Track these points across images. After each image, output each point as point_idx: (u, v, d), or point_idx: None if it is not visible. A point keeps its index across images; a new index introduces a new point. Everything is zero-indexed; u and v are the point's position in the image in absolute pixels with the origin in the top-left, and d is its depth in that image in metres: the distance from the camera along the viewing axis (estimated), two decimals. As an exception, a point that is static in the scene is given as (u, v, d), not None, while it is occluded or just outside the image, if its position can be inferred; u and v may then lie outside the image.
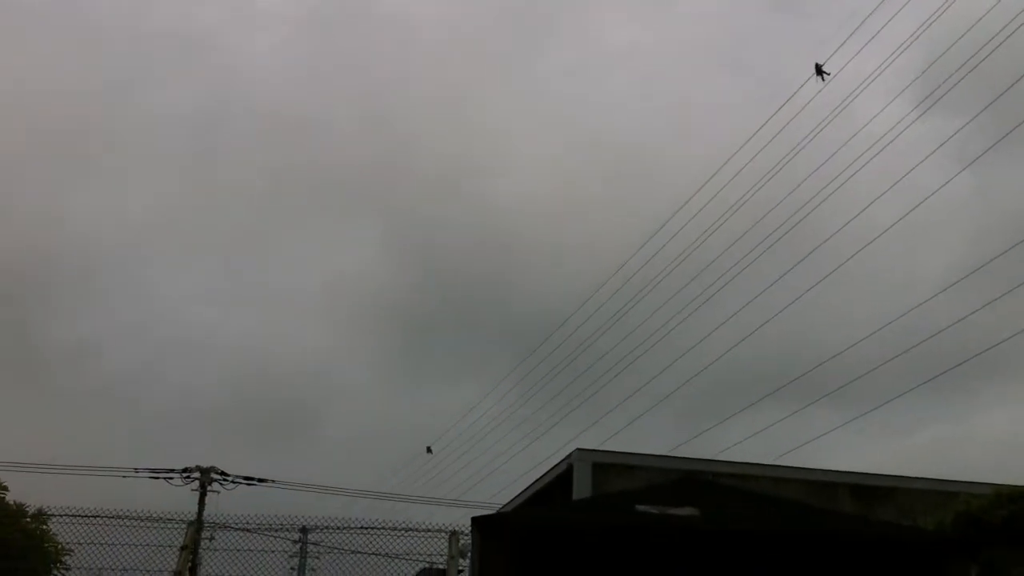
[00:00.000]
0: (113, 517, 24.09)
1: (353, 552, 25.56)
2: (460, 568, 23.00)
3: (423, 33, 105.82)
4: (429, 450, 60.89)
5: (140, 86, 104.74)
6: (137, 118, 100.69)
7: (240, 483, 40.62)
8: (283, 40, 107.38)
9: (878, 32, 35.67)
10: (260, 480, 40.50)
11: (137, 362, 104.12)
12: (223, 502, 40.16)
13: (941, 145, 36.44)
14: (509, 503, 29.50)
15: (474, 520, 11.83)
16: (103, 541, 24.08)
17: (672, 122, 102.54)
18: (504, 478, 56.59)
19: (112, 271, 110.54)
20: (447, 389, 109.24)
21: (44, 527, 23.58)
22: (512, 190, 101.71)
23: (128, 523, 24.18)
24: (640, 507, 13.72)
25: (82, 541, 24.05)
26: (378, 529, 25.03)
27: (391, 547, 25.01)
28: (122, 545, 24.24)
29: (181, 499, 39.77)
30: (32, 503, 23.65)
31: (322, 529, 26.64)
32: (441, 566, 24.79)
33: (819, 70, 37.40)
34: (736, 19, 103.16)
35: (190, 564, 23.87)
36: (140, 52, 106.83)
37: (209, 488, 40.30)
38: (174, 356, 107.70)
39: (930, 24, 34.84)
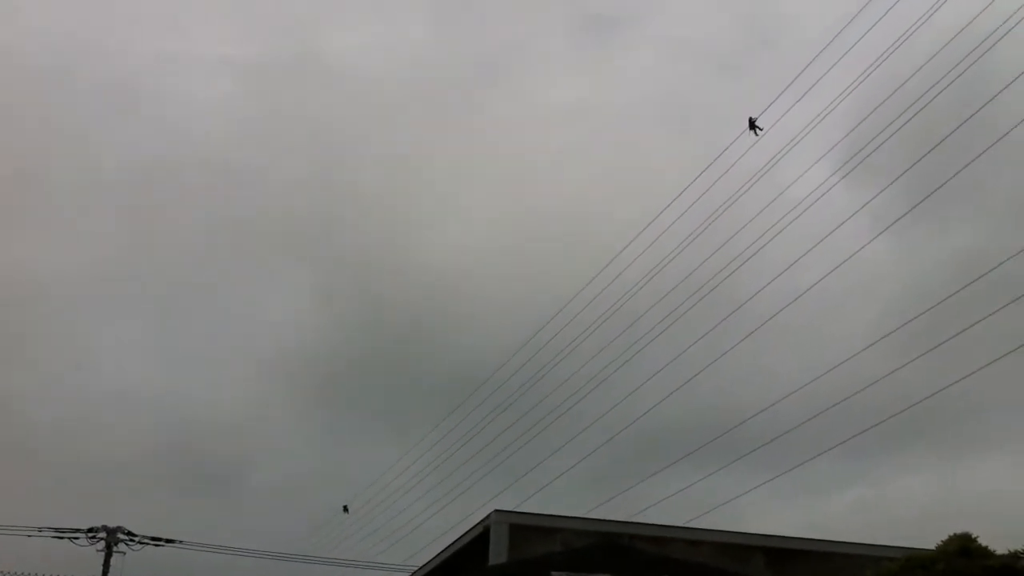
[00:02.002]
0: (9, 581, 23.08)
1: (262, 617, 24.77)
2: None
3: (369, 84, 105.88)
4: (345, 509, 59.52)
5: (78, 137, 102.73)
6: (75, 169, 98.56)
7: (147, 544, 39.34)
8: (226, 89, 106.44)
9: (806, 93, 36.47)
10: (168, 541, 39.26)
11: (57, 415, 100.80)
12: (130, 564, 38.85)
13: (861, 208, 37.21)
14: (425, 565, 28.93)
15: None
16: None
17: (610, 180, 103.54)
18: (424, 537, 55.63)
19: (41, 323, 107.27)
20: (373, 445, 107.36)
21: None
22: (449, 245, 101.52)
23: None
24: (555, 574, 13.38)
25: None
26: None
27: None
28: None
29: (88, 560, 38.44)
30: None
31: (231, 593, 25.76)
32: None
33: (752, 124, 37.90)
34: (681, 79, 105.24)
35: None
36: (79, 103, 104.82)
37: (115, 549, 38.97)
38: (97, 409, 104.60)
39: (856, 87, 35.73)
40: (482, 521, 24.80)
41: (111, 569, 37.50)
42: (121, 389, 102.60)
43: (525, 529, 23.74)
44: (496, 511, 24.36)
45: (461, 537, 26.39)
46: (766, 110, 36.89)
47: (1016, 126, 35.45)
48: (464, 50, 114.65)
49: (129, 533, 39.21)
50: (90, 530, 38.99)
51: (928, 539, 20.85)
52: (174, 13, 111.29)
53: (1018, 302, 33.93)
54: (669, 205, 40.71)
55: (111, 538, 38.92)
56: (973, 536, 18.02)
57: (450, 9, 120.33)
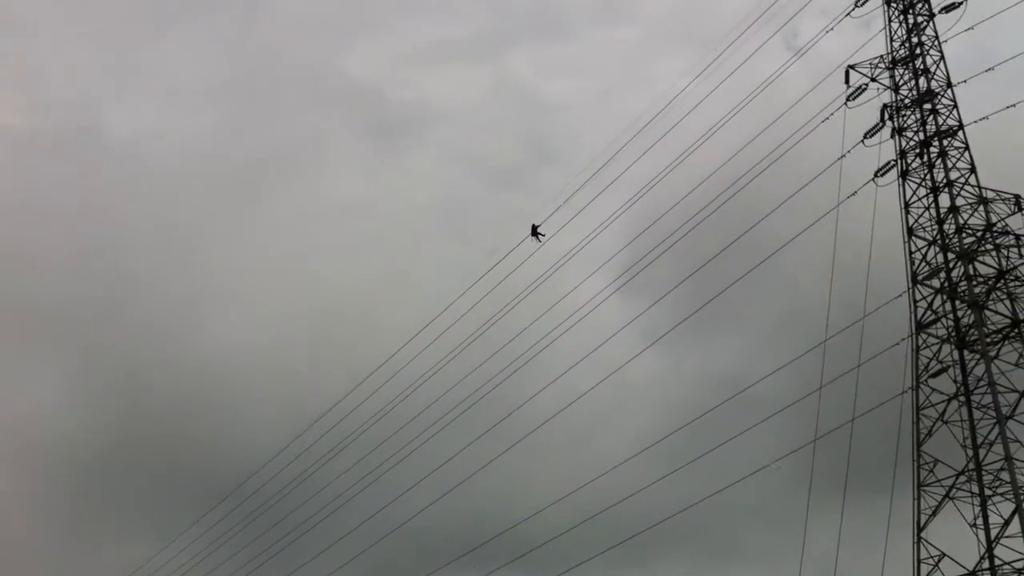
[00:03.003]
0: None
1: None
2: None
3: (153, 168, 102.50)
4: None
5: None
6: None
7: None
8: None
9: (583, 208, 37.96)
10: None
11: None
12: None
13: (631, 322, 38.76)
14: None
15: None
16: None
17: (390, 281, 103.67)
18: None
19: None
20: (127, 541, 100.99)
21: None
22: (224, 337, 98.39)
23: None
24: None
25: None
26: None
27: None
28: None
29: None
30: None
31: None
32: None
33: (535, 231, 39.40)
34: (463, 187, 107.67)
35: None
36: None
37: None
38: None
39: (630, 206, 37.50)
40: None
41: None
42: None
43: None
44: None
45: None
46: (547, 220, 38.14)
47: (774, 253, 37.88)
48: (255, 141, 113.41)
49: None
50: None
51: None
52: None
53: (773, 418, 35.84)
54: (445, 310, 41.15)
55: None
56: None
57: (244, 99, 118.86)
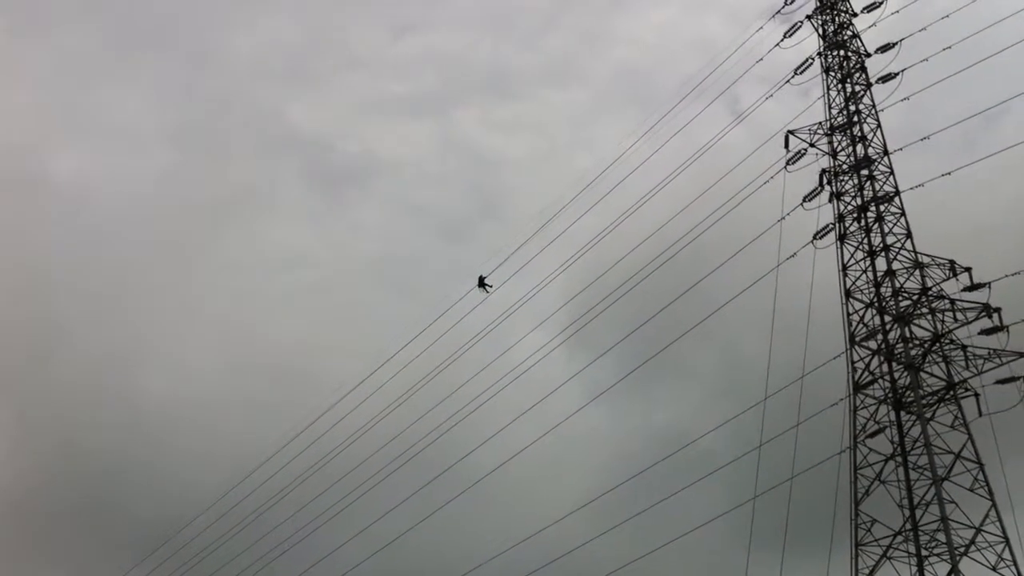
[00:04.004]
0: None
1: None
2: None
3: (94, 214, 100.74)
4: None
5: None
6: None
7: None
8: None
9: (527, 263, 38.05)
10: None
11: None
12: None
13: (574, 376, 38.75)
14: None
15: None
16: None
17: (331, 331, 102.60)
18: None
19: None
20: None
21: None
22: (161, 388, 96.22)
23: None
24: None
25: None
26: None
27: None
28: None
29: None
30: None
31: None
32: None
33: (481, 282, 39.47)
34: (408, 239, 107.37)
35: None
36: None
37: None
38: None
39: (572, 262, 37.66)
40: None
41: None
42: None
43: None
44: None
45: None
46: (492, 272, 38.15)
47: (713, 312, 38.18)
48: (198, 190, 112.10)
49: None
50: None
51: None
52: None
53: (715, 474, 35.84)
54: (384, 363, 40.79)
55: None
56: None
57: (189, 148, 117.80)
